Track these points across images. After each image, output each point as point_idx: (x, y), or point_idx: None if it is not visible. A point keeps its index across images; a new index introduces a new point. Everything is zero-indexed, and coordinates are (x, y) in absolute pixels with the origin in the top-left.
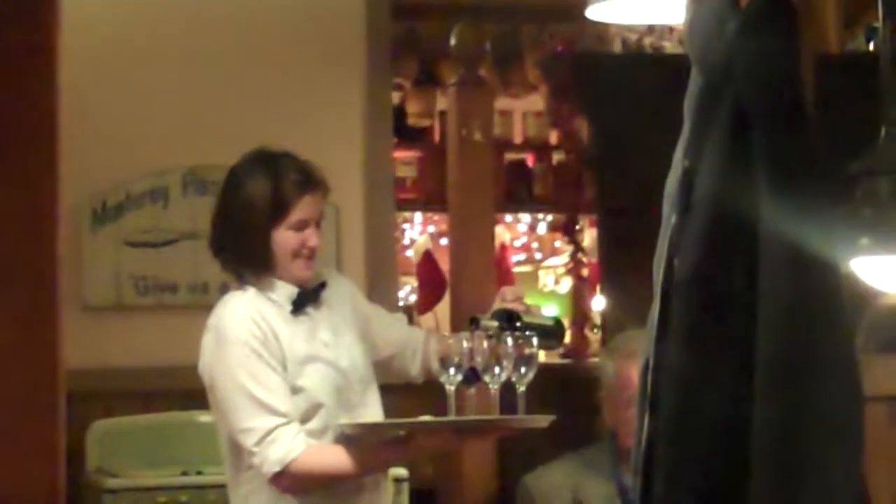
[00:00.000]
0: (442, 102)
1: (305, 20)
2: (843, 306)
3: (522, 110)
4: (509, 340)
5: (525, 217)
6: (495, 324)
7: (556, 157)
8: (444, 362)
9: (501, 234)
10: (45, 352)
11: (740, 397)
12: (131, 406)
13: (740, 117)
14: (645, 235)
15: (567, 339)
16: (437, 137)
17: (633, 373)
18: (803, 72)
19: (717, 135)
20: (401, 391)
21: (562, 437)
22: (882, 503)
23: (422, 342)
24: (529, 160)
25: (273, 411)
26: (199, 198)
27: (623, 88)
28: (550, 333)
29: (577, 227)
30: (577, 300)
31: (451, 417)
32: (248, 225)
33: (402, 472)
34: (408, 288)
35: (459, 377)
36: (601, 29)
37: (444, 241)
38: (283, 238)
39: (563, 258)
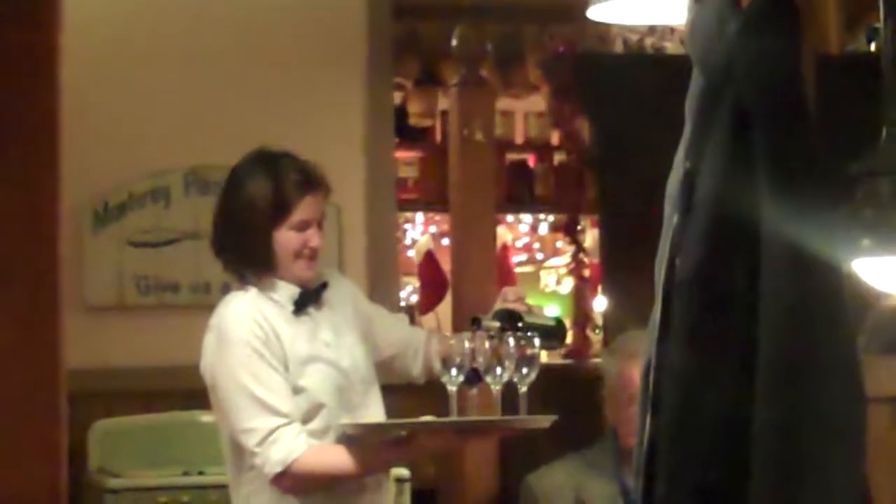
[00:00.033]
0: (443, 103)
1: (307, 20)
2: (844, 307)
3: (524, 111)
4: (511, 341)
5: (526, 217)
6: (497, 324)
7: (558, 157)
8: (446, 363)
9: (503, 234)
10: (46, 352)
11: (741, 397)
12: (133, 406)
13: (741, 117)
14: (646, 236)
15: (568, 339)
16: (438, 138)
17: (636, 372)
18: (804, 72)
19: (719, 135)
20: (402, 391)
21: (563, 437)
22: None
23: (423, 342)
24: (531, 160)
25: (275, 412)
26: (201, 198)
27: (624, 89)
28: (552, 334)
29: (579, 227)
30: (579, 301)
31: (453, 418)
32: (249, 225)
33: (403, 472)
34: (409, 288)
35: (461, 377)
36: (602, 29)
37: (445, 242)
38: (285, 238)
39: (565, 258)
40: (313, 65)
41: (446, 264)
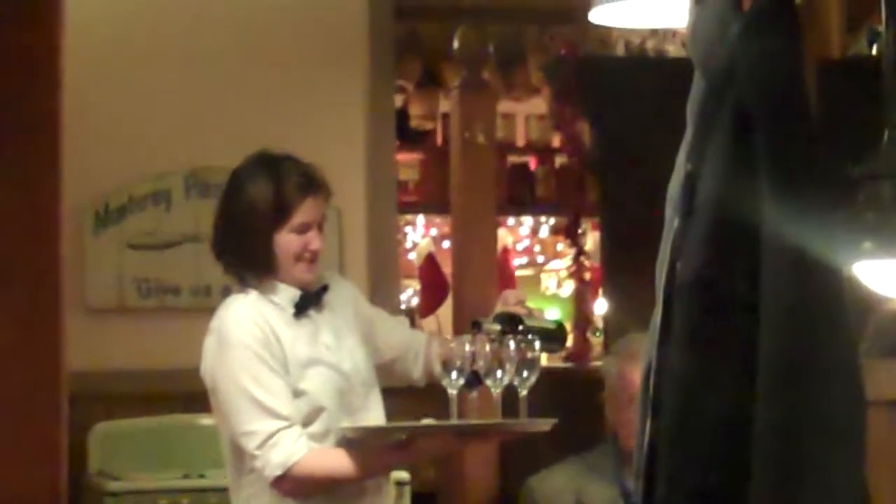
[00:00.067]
0: (444, 105)
1: (307, 21)
2: (845, 309)
3: (525, 113)
4: (511, 344)
5: (527, 220)
6: (497, 327)
7: (559, 160)
8: (447, 366)
9: (504, 237)
10: (47, 353)
11: (742, 400)
12: (133, 408)
13: (743, 120)
14: (647, 239)
15: (569, 342)
16: (439, 140)
17: (636, 374)
18: (806, 75)
19: (720, 138)
20: (403, 394)
21: (564, 440)
22: None
23: (424, 345)
24: (532, 163)
25: (275, 415)
26: (202, 200)
27: (626, 92)
28: (553, 337)
29: (580, 230)
30: (580, 303)
31: (453, 421)
32: (250, 228)
33: (403, 475)
34: (410, 291)
35: (461, 381)
36: (604, 32)
37: (446, 244)
38: (286, 241)
39: (566, 261)
40: (314, 66)
41: (447, 267)
